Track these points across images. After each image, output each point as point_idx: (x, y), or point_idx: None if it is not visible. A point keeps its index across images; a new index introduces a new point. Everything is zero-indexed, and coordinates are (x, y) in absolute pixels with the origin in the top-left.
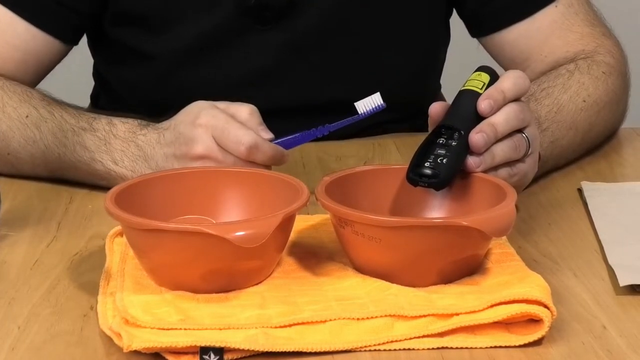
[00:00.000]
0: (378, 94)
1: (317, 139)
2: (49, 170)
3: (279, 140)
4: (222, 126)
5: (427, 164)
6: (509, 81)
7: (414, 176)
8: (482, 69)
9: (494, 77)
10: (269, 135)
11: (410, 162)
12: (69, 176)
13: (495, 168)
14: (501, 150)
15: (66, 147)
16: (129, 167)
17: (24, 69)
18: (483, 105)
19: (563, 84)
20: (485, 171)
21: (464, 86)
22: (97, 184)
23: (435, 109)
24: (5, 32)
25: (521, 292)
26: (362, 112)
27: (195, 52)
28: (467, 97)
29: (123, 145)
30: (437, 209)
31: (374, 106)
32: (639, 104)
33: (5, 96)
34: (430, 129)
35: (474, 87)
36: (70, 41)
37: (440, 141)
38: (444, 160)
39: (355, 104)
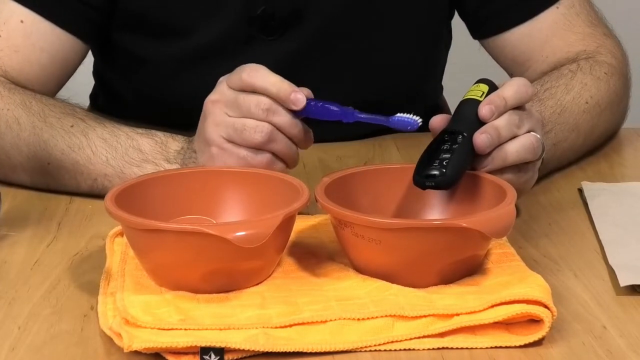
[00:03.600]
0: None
1: (316, 140)
2: (91, 179)
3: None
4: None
5: (432, 166)
6: (512, 88)
7: (420, 178)
8: (480, 80)
9: (493, 87)
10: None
11: (416, 167)
12: (108, 185)
13: (502, 170)
14: (515, 151)
15: (116, 151)
16: (180, 162)
17: (49, 73)
18: (484, 110)
19: (566, 84)
20: (495, 171)
21: (463, 97)
22: None
23: (436, 122)
24: (30, 34)
25: (521, 293)
26: (393, 119)
27: (199, 60)
28: (468, 105)
29: (179, 145)
30: (437, 209)
31: (407, 121)
32: (639, 104)
33: (47, 109)
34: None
35: (473, 96)
36: (89, 41)
37: (445, 147)
38: (449, 161)
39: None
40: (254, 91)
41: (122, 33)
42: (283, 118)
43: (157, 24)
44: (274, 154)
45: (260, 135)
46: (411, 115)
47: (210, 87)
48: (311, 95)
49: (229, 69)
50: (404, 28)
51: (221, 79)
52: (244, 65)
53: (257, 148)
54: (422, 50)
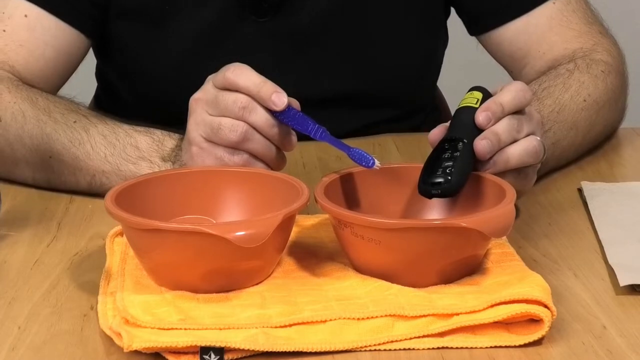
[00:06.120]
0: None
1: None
2: (89, 175)
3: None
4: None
5: (437, 174)
6: (509, 94)
7: (426, 187)
8: (474, 88)
9: (487, 94)
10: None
11: (420, 176)
12: (105, 182)
13: (503, 174)
14: (518, 155)
15: (115, 147)
16: (173, 160)
17: (54, 67)
18: (481, 117)
19: (563, 83)
20: (497, 174)
21: (458, 105)
22: None
23: (434, 134)
24: (34, 28)
25: (521, 292)
26: (354, 150)
27: (194, 45)
28: (465, 112)
29: (174, 143)
30: (437, 209)
31: (366, 157)
32: (638, 104)
33: (52, 105)
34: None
35: (469, 104)
36: (92, 36)
37: (446, 155)
38: (453, 168)
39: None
40: (237, 90)
41: (117, 24)
42: (260, 117)
43: (150, 12)
44: (252, 154)
45: (235, 135)
46: (372, 155)
47: (205, 73)
48: (298, 107)
49: (222, 53)
50: (398, 17)
51: (209, 77)
52: (229, 64)
53: (234, 147)
54: (416, 41)
